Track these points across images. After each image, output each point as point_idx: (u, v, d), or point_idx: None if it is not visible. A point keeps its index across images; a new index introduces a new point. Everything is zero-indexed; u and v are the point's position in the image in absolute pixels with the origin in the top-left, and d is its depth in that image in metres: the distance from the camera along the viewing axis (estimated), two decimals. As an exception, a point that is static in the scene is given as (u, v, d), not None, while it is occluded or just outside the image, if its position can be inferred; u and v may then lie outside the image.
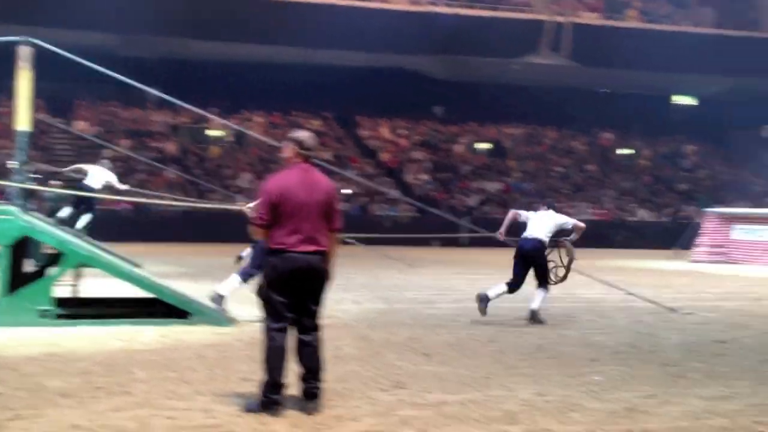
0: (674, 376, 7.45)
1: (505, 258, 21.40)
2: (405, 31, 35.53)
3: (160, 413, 5.60)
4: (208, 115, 25.94)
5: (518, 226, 11.01)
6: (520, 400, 6.29)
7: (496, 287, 10.75)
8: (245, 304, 11.29)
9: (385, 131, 39.56)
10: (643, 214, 35.47)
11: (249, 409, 5.68)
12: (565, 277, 11.31)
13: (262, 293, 5.82)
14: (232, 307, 10.47)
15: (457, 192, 35.04)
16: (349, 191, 31.44)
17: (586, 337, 9.65)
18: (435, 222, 23.27)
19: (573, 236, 11.11)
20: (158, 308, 9.71)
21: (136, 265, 10.15)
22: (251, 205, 10.76)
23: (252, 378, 6.73)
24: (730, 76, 38.93)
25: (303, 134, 5.97)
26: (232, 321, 9.65)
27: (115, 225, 23.02)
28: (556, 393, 6.58)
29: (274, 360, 5.72)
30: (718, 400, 6.48)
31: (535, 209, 11.22)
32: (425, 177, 36.11)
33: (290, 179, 5.79)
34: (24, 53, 9.92)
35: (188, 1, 35.20)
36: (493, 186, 36.36)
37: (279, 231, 5.72)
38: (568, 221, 11.22)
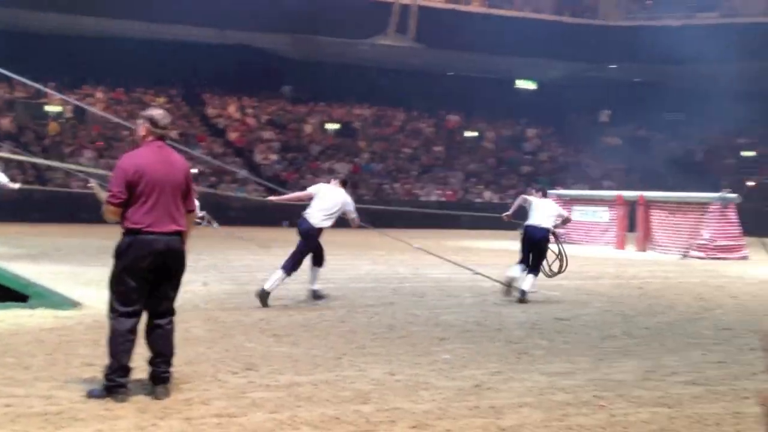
0: (519, 353, 7.71)
1: (359, 239, 21.79)
2: (254, 9, 35.02)
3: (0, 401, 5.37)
4: (45, 89, 24.92)
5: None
6: (371, 379, 6.39)
7: (514, 270, 11.35)
8: (87, 285, 11.00)
9: (233, 110, 38.98)
10: (489, 196, 36.62)
11: (92, 395, 5.52)
12: (562, 270, 12.02)
13: (114, 275, 5.62)
14: (77, 290, 10.14)
15: (307, 172, 35.02)
16: (196, 171, 30.84)
17: (435, 316, 9.85)
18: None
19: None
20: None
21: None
22: (93, 183, 10.48)
23: (95, 363, 6.55)
24: (568, 62, 40.64)
25: (156, 111, 5.82)
26: (73, 304, 9.32)
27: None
28: (406, 372, 6.71)
29: (119, 344, 5.55)
30: (561, 376, 6.74)
31: (528, 194, 11.80)
32: (274, 157, 35.90)
33: (146, 157, 5.64)
34: None
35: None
36: (342, 167, 36.58)
37: (135, 210, 5.56)
38: (563, 212, 12.02)
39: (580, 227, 24.44)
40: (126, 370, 5.58)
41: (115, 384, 5.52)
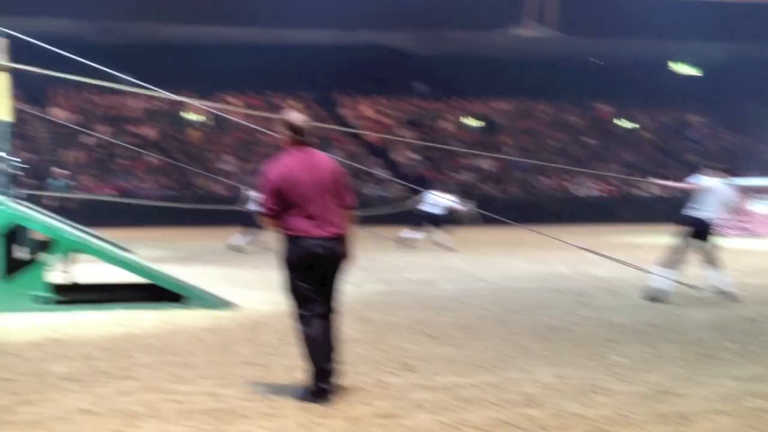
0: (702, 355, 7.33)
1: (504, 237, 21.61)
2: (381, 7, 35.41)
3: (167, 397, 5.66)
4: (185, 99, 26.01)
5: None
6: (539, 382, 6.24)
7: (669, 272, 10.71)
8: (239, 286, 11.43)
9: (366, 110, 39.46)
10: (652, 189, 35.46)
11: (302, 398, 5.66)
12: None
13: (287, 282, 5.80)
14: (230, 291, 10.55)
15: (449, 170, 35.06)
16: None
17: (601, 316, 9.55)
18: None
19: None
20: (154, 293, 9.76)
21: (127, 251, 10.18)
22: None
23: (255, 362, 6.82)
24: (731, 43, 38.93)
25: (295, 116, 5.90)
26: (228, 304, 9.71)
27: (104, 209, 23.11)
28: (577, 375, 6.51)
29: (313, 347, 5.70)
30: (755, 381, 6.37)
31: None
32: (413, 155, 36.11)
33: (290, 164, 5.74)
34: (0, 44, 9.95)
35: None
36: (486, 162, 36.43)
37: (290, 217, 5.69)
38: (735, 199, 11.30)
39: (762, 219, 23.27)
40: (327, 373, 5.69)
41: (319, 390, 5.65)
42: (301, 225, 5.64)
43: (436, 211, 19.39)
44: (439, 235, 19.57)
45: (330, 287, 5.82)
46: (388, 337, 8.05)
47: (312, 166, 5.73)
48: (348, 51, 37.86)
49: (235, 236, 17.96)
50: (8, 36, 9.95)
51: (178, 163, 24.23)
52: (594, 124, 41.42)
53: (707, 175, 10.94)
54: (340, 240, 5.76)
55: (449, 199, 19.26)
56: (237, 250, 17.44)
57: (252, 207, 16.26)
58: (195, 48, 36.79)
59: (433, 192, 19.87)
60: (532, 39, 37.58)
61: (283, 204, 5.66)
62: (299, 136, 5.79)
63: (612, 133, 40.80)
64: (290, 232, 5.68)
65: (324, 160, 5.85)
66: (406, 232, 19.78)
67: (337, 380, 5.78)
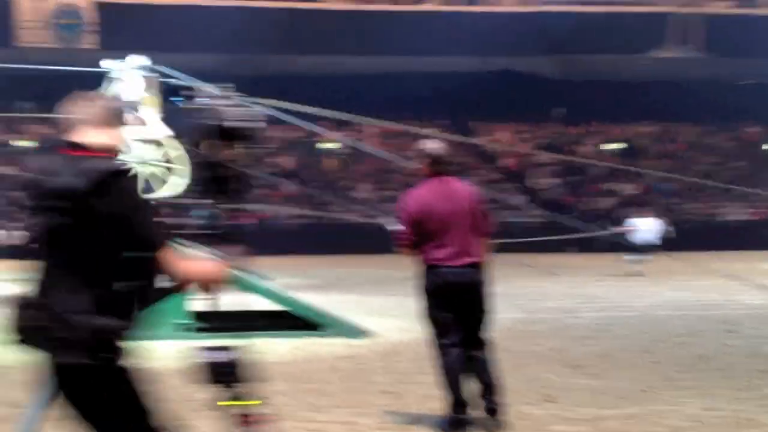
0: None
1: (648, 264, 20.93)
2: (516, 33, 35.36)
3: (303, 425, 5.67)
4: (320, 129, 26.61)
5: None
6: (686, 415, 6.01)
7: None
8: (373, 315, 11.44)
9: (503, 135, 39.23)
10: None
11: (438, 428, 5.61)
12: None
13: (425, 311, 5.75)
14: (364, 319, 10.57)
15: (588, 195, 34.36)
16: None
17: (754, 346, 9.17)
18: (567, 227, 22.91)
19: None
20: (289, 321, 9.86)
21: (266, 279, 10.32)
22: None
23: (390, 390, 6.77)
24: None
25: (434, 146, 5.84)
26: (363, 333, 9.71)
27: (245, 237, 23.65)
28: (727, 408, 6.24)
29: (451, 377, 5.63)
30: None
31: None
32: (552, 181, 35.58)
33: (428, 193, 5.70)
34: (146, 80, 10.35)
35: (293, 18, 36.16)
36: (627, 187, 35.51)
37: (427, 246, 5.65)
38: None
39: None
40: (463, 404, 5.61)
41: (457, 420, 5.59)
42: (439, 254, 5.59)
43: (648, 237, 19.27)
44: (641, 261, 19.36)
45: (471, 317, 5.70)
46: (528, 367, 7.89)
47: (450, 196, 5.68)
48: (484, 77, 37.87)
49: None
50: (153, 71, 10.35)
51: (314, 191, 24.72)
52: (741, 147, 39.77)
53: None
54: (477, 268, 5.67)
55: (654, 225, 19.20)
56: None
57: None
58: (331, 78, 37.56)
59: (638, 218, 20.00)
60: (675, 60, 36.61)
61: (421, 233, 5.63)
62: (437, 166, 5.74)
63: (760, 156, 39.08)
64: (428, 262, 5.64)
65: (462, 189, 5.79)
66: (632, 261, 19.46)
67: (501, 416, 5.63)
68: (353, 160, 36.13)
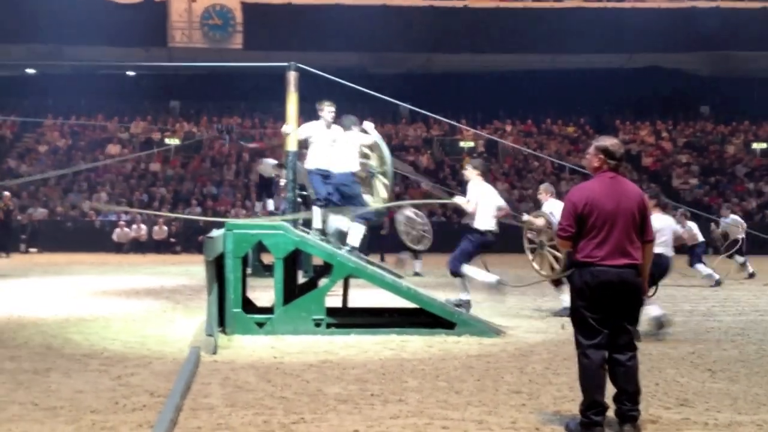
0: None
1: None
2: (663, 30, 34.42)
3: (435, 422, 5.74)
4: (459, 126, 26.70)
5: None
6: (828, 422, 5.80)
7: None
8: (506, 315, 11.42)
9: (646, 134, 38.21)
10: None
11: (568, 429, 5.62)
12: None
13: (573, 309, 5.75)
14: (497, 319, 10.59)
15: (732, 196, 33.04)
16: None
17: None
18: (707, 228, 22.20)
19: None
20: (423, 318, 9.98)
21: (399, 276, 10.48)
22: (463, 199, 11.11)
23: (522, 390, 6.79)
24: None
25: (610, 142, 5.80)
26: (497, 332, 9.72)
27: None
28: None
29: (590, 379, 5.60)
30: None
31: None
32: (694, 181, 34.44)
33: (597, 189, 5.67)
34: (291, 78, 10.64)
35: (433, 17, 36.31)
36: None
37: (587, 243, 5.63)
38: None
39: None
40: (600, 407, 5.57)
41: (590, 422, 5.56)
42: (597, 252, 5.57)
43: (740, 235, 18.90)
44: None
45: (621, 319, 5.63)
46: (665, 371, 7.75)
47: (619, 194, 5.64)
48: (627, 74, 37.07)
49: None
50: (299, 70, 10.65)
51: (451, 190, 24.76)
52: None
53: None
54: (634, 271, 5.61)
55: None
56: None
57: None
58: (470, 76, 37.60)
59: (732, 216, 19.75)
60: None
61: (582, 228, 5.62)
62: (610, 162, 5.72)
63: None
64: (583, 258, 5.63)
65: (632, 190, 5.73)
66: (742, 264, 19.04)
67: (635, 424, 5.57)
68: (490, 159, 35.97)
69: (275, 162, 17.04)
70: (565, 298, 10.93)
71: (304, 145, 10.93)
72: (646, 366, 7.87)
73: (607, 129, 38.03)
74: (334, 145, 10.66)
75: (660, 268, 9.57)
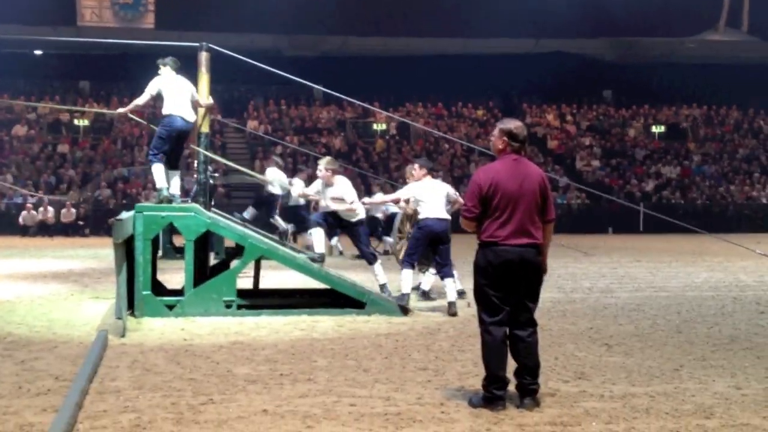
0: None
1: (686, 246, 20.73)
2: (570, 16, 35.07)
3: (343, 400, 5.78)
4: (372, 108, 26.75)
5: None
6: (714, 393, 6.05)
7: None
8: (417, 295, 11.52)
9: (551, 118, 38.95)
10: None
11: (471, 403, 5.69)
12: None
13: (477, 288, 5.81)
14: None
15: (632, 178, 34.02)
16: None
17: (784, 327, 9.10)
18: (607, 209, 22.91)
19: None
20: (334, 299, 10.01)
21: (313, 259, 10.46)
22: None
23: (428, 367, 6.88)
24: None
25: (514, 125, 5.85)
26: (405, 311, 9.82)
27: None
28: (755, 386, 6.27)
29: (493, 354, 5.70)
30: None
31: None
32: (596, 163, 35.31)
33: (500, 170, 5.73)
34: (202, 58, 10.47)
35: (348, 1, 36.19)
36: (671, 171, 35.10)
37: (491, 224, 5.69)
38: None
39: None
40: (502, 382, 5.68)
41: (492, 396, 5.65)
42: (500, 232, 5.65)
43: None
44: None
45: (522, 297, 5.74)
46: (564, 346, 7.95)
47: (522, 176, 5.71)
48: (534, 59, 37.63)
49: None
50: (210, 50, 10.48)
51: (363, 172, 24.82)
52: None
53: None
54: (535, 250, 5.70)
55: None
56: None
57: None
58: (382, 60, 37.64)
59: None
60: (726, 44, 36.03)
61: (486, 209, 5.69)
62: (514, 144, 5.79)
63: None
64: (486, 238, 5.69)
65: (534, 171, 5.81)
66: None
67: (535, 397, 5.70)
68: (401, 142, 36.16)
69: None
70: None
71: None
72: (546, 341, 8.07)
73: (515, 112, 38.72)
74: None
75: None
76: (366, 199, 11.62)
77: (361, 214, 10.67)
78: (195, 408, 5.56)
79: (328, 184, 10.51)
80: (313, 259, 10.16)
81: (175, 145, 10.36)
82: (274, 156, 19.27)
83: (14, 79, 35.39)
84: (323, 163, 10.57)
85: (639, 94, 39.52)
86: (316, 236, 10.44)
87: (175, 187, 10.38)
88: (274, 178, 14.85)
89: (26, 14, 32.85)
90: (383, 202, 11.71)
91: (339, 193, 10.42)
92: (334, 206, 10.46)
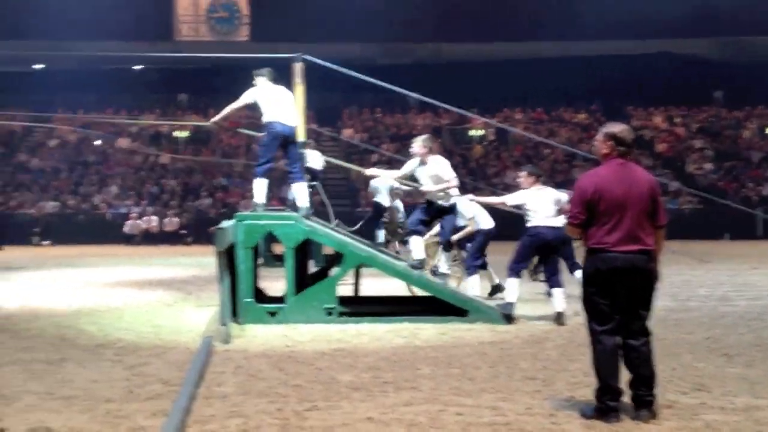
0: None
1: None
2: (675, 15, 34.31)
3: (449, 409, 5.74)
4: (469, 115, 26.64)
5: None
6: None
7: None
8: (521, 302, 11.38)
9: (659, 120, 38.06)
10: None
11: (583, 415, 5.61)
12: None
13: (585, 296, 5.73)
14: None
15: (747, 181, 32.92)
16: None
17: None
18: (723, 213, 22.24)
19: None
20: (436, 306, 9.97)
21: (413, 266, 10.43)
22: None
23: (537, 377, 6.77)
24: None
25: (619, 128, 5.77)
26: (509, 319, 9.71)
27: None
28: None
29: (604, 364, 5.60)
30: None
31: None
32: (708, 166, 34.30)
33: (606, 176, 5.66)
34: (297, 69, 10.63)
35: (440, 7, 36.25)
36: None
37: (597, 230, 5.62)
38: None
39: None
40: (615, 393, 5.58)
41: (605, 407, 5.56)
42: (608, 238, 5.57)
43: None
44: None
45: (634, 305, 5.62)
46: (681, 356, 7.73)
47: (629, 180, 5.62)
48: (638, 60, 36.92)
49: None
50: (305, 61, 10.63)
51: (461, 179, 24.78)
52: None
53: None
54: (646, 257, 5.59)
55: None
56: None
57: None
58: (478, 65, 37.51)
59: None
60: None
61: (592, 215, 5.61)
62: (620, 148, 5.70)
63: None
64: (593, 245, 5.62)
65: (642, 175, 5.71)
66: None
67: (651, 408, 5.56)
68: (500, 148, 35.93)
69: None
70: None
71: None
72: (662, 351, 7.82)
73: (619, 116, 37.91)
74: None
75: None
76: (470, 196, 11.53)
77: (455, 198, 10.47)
78: (300, 414, 5.62)
79: (423, 163, 10.25)
80: (413, 266, 10.11)
81: (284, 153, 10.45)
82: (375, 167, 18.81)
83: (116, 94, 36.67)
84: (420, 140, 10.31)
85: (752, 94, 38.25)
86: (414, 243, 10.35)
87: (303, 198, 10.36)
88: (377, 186, 14.29)
89: (125, 31, 34.09)
90: (489, 203, 11.58)
91: (435, 171, 10.16)
92: (426, 187, 10.22)
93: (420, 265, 10.14)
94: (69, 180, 32.33)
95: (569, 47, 37.37)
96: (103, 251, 24.05)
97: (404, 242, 15.96)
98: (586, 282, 5.68)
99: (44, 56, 35.92)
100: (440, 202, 10.28)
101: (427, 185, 10.20)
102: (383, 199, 13.89)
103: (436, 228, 11.42)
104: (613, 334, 5.60)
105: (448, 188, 10.19)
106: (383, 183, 13.65)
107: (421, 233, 10.37)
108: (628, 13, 34.95)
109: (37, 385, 6.48)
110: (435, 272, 10.78)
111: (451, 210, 10.45)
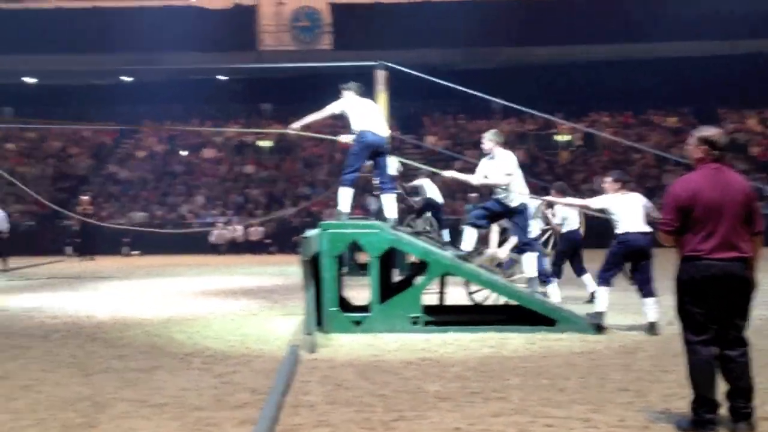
0: None
1: None
2: (765, 14, 33.25)
3: (539, 420, 5.69)
4: (555, 119, 26.37)
5: None
6: None
7: None
8: (613, 311, 11.20)
9: (753, 123, 37.01)
10: None
11: (680, 427, 5.51)
12: None
13: (679, 305, 5.62)
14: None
15: None
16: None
17: None
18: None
19: None
20: (523, 315, 9.89)
21: (460, 257, 10.32)
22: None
23: (629, 388, 6.64)
24: None
25: (713, 132, 5.66)
26: (600, 329, 9.56)
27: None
28: None
29: (700, 375, 5.50)
30: None
31: None
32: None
33: (700, 181, 5.54)
34: (380, 76, 10.68)
35: (523, 10, 35.96)
36: None
37: (691, 237, 5.51)
38: None
39: None
40: (712, 405, 5.48)
41: (702, 419, 5.46)
42: (701, 245, 5.46)
43: None
44: None
45: (730, 315, 5.50)
46: (779, 367, 7.44)
47: (724, 186, 5.51)
48: (729, 61, 35.98)
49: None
50: (387, 68, 10.68)
51: (547, 185, 24.47)
52: None
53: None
54: (742, 264, 5.46)
55: None
56: None
57: None
58: (565, 68, 37.07)
59: None
60: None
61: (686, 222, 5.51)
62: (714, 152, 5.59)
63: None
64: (687, 252, 5.52)
65: (738, 181, 5.59)
66: None
67: (750, 421, 5.42)
68: (587, 153, 35.44)
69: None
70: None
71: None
72: (760, 362, 7.56)
73: (711, 119, 36.97)
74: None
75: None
76: (550, 197, 11.42)
77: (519, 198, 10.37)
78: (387, 424, 5.64)
79: (491, 157, 10.31)
80: (460, 257, 10.06)
81: (374, 163, 10.48)
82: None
83: (201, 105, 37.47)
84: (487, 135, 10.40)
85: None
86: (468, 233, 10.32)
87: (391, 210, 10.38)
88: (421, 184, 14.61)
89: (210, 42, 34.74)
90: (570, 204, 11.44)
91: (499, 165, 10.19)
92: (485, 180, 10.34)
93: (464, 256, 10.12)
94: (156, 191, 33.16)
95: (657, 48, 36.59)
96: (189, 261, 24.57)
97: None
98: (681, 290, 5.56)
99: (131, 69, 36.87)
100: (503, 200, 10.32)
101: (486, 179, 10.37)
102: (433, 194, 14.63)
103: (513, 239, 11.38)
104: (709, 345, 5.47)
105: (495, 185, 10.29)
106: (426, 180, 14.58)
107: (479, 227, 10.36)
108: (719, 13, 34.08)
109: (130, 393, 6.66)
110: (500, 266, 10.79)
111: (520, 211, 10.40)
